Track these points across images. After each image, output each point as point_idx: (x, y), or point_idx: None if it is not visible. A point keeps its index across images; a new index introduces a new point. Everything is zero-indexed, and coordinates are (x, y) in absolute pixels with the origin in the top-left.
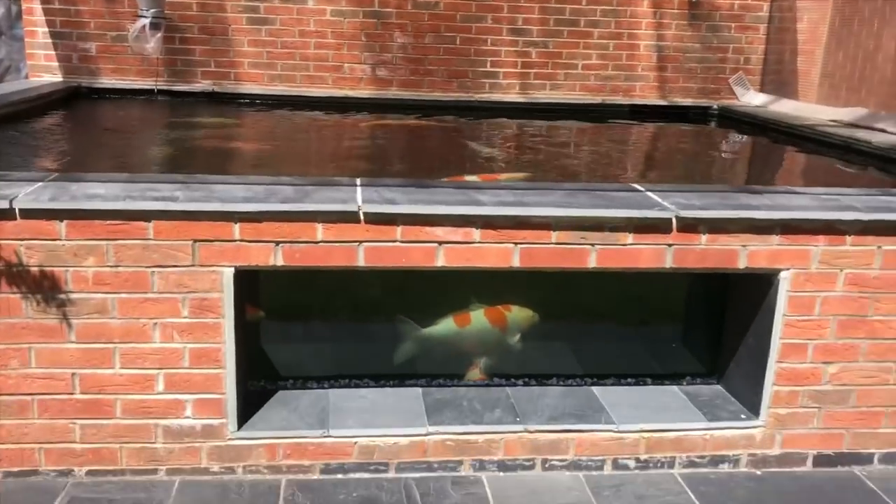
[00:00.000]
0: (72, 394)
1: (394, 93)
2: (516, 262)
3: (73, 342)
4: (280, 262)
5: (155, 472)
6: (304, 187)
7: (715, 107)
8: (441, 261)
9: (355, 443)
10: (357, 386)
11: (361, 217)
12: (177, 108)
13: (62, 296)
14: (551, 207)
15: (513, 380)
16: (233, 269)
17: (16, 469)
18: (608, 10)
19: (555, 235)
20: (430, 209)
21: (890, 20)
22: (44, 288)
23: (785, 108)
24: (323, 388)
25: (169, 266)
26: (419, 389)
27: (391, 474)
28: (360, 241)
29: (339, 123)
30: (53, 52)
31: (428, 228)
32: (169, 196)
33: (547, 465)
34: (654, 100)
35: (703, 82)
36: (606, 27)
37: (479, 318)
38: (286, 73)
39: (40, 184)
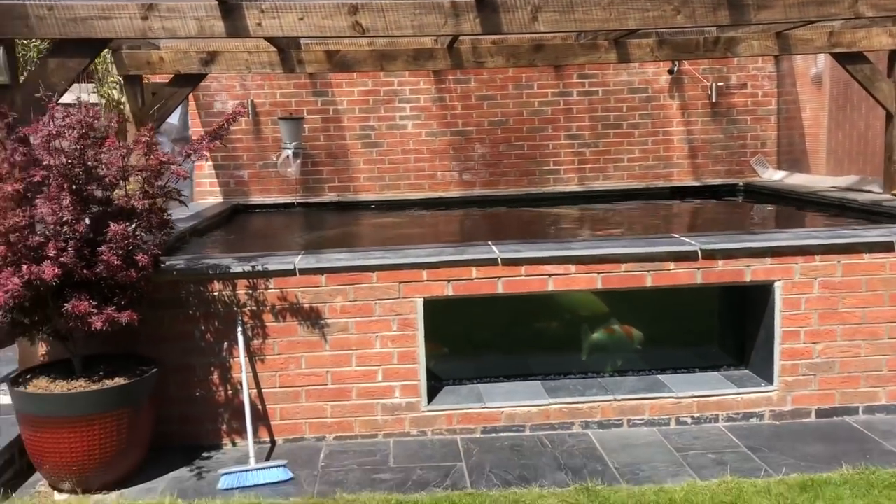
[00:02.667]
0: (325, 385)
1: (477, 191)
2: (599, 286)
3: (327, 351)
4: (450, 293)
5: (376, 436)
6: (461, 247)
7: (741, 184)
8: (551, 287)
9: (502, 412)
10: (496, 382)
11: (499, 261)
12: (312, 214)
13: (321, 321)
14: (620, 248)
15: (601, 373)
16: (422, 299)
17: (291, 437)
18: (644, 114)
19: (623, 266)
20: (541, 254)
21: (875, 104)
22: (311, 317)
23: (797, 180)
24: (473, 383)
25: (385, 299)
26: (538, 381)
27: (527, 433)
28: (499, 277)
29: (446, 215)
30: (216, 180)
31: (541, 266)
32: (381, 257)
33: (631, 423)
34: (689, 181)
35: (729, 164)
36: (644, 127)
37: (618, 331)
38: (392, 183)
39: (300, 255)
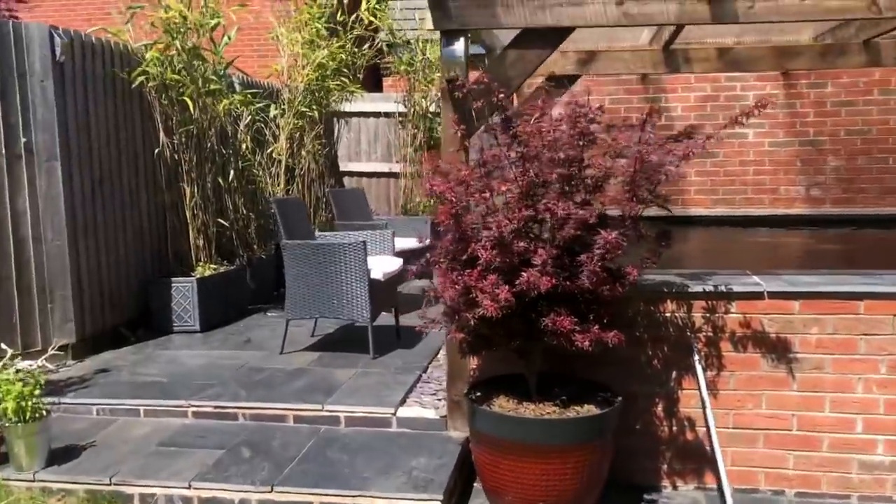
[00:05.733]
0: (789, 430)
1: (827, 209)
2: None
3: (794, 391)
4: None
5: (849, 497)
6: None
7: None
8: None
9: None
10: None
11: None
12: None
13: (790, 355)
14: None
15: None
16: None
17: (743, 486)
18: None
19: None
20: None
21: None
22: (777, 349)
23: None
24: None
25: (872, 334)
26: None
27: None
28: None
29: (799, 235)
30: None
31: None
32: (870, 283)
33: None
34: None
35: None
36: None
37: None
38: (727, 197)
39: (763, 276)
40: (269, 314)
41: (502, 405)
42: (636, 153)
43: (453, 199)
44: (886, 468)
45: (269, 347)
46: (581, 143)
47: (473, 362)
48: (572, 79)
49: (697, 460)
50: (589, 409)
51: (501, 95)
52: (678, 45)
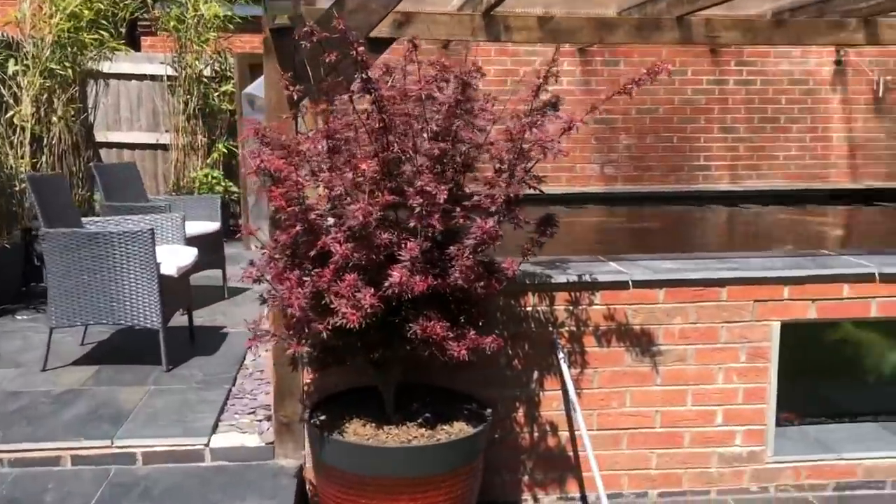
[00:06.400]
0: (653, 428)
1: (619, 187)
2: None
3: (657, 385)
4: (814, 315)
5: (708, 492)
6: (821, 257)
7: None
8: None
9: (860, 464)
10: (825, 423)
11: (877, 277)
12: None
13: (653, 348)
14: None
15: None
16: (779, 323)
17: (608, 491)
18: (804, 108)
19: None
20: None
21: None
22: (641, 342)
23: None
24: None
25: (733, 321)
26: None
27: (888, 490)
28: (874, 297)
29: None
30: None
31: None
32: (733, 268)
33: None
34: (846, 184)
35: (889, 167)
36: (803, 122)
37: None
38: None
39: (625, 263)
40: (17, 317)
41: (358, 431)
42: (518, 127)
43: (298, 178)
44: (744, 459)
45: (24, 363)
46: (460, 111)
47: (307, 375)
48: (388, 42)
49: (560, 468)
50: (461, 429)
51: (361, 49)
52: (499, 12)
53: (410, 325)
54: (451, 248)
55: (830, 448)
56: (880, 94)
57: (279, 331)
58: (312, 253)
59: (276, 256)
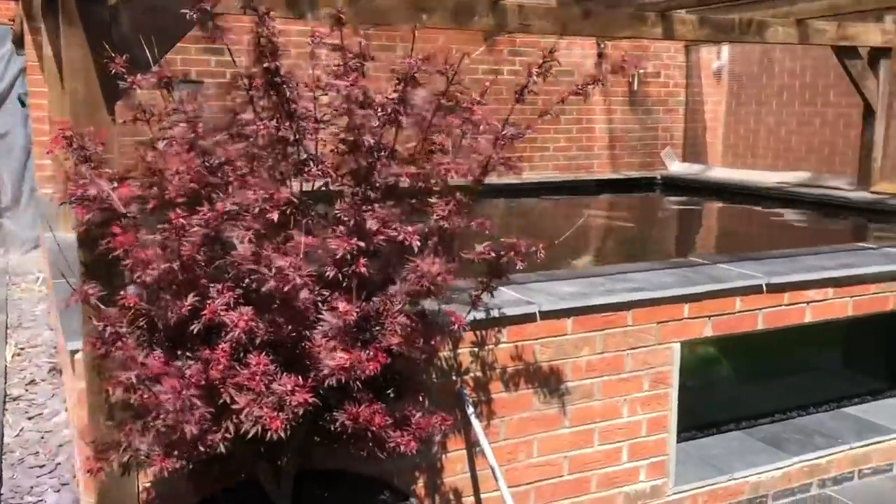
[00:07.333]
0: (561, 476)
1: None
2: (850, 312)
3: (565, 428)
4: (709, 332)
5: None
6: (699, 267)
7: (659, 177)
8: (808, 317)
9: (746, 482)
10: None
11: (764, 288)
12: None
13: (562, 386)
14: (874, 268)
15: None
16: (679, 344)
17: None
18: (570, 100)
19: (872, 288)
20: (805, 277)
21: (766, 101)
22: (549, 381)
23: (720, 174)
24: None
25: (638, 347)
26: (740, 432)
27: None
28: (761, 309)
29: None
30: None
31: (803, 293)
32: (636, 288)
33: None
34: (608, 174)
35: (642, 157)
36: (570, 114)
37: None
38: None
39: (525, 286)
40: None
41: None
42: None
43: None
44: (648, 495)
45: None
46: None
47: (146, 477)
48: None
49: None
50: None
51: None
52: None
53: (334, 413)
54: (376, 299)
55: (720, 468)
56: (635, 87)
57: (144, 447)
58: (195, 328)
59: (122, 330)
